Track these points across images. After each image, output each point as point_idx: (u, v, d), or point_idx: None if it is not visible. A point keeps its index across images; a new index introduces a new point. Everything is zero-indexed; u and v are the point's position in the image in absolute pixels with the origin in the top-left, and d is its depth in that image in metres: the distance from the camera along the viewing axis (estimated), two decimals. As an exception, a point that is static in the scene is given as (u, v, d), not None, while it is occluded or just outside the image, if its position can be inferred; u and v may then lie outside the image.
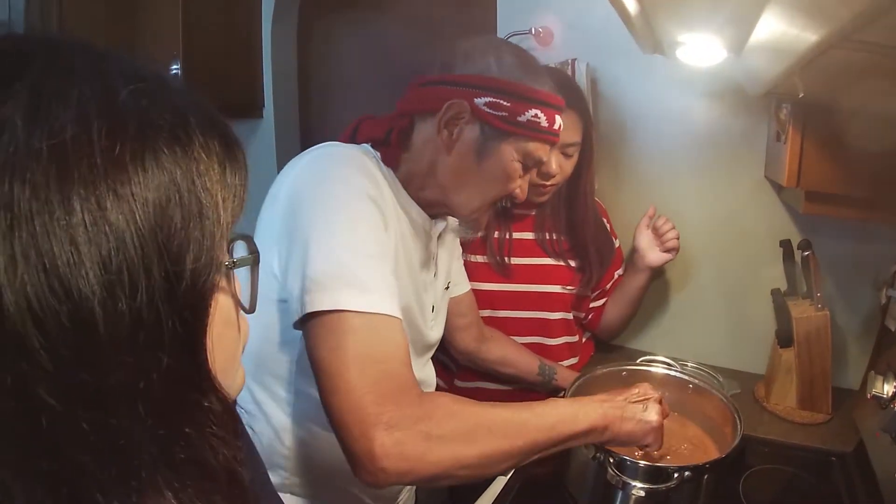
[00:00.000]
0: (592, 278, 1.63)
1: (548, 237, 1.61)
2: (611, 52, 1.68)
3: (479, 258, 1.58)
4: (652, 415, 1.08)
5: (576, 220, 1.61)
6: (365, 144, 1.13)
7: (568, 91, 1.45)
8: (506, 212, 1.60)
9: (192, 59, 2.29)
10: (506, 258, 1.57)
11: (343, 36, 2.59)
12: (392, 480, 0.85)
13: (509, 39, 1.77)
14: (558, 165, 1.49)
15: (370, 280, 0.92)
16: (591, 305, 1.72)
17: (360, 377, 0.85)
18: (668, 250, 1.56)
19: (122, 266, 0.37)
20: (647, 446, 1.12)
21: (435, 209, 1.15)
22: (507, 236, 1.59)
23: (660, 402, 1.11)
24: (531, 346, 1.62)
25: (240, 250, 0.51)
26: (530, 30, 1.77)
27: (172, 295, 0.41)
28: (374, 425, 0.83)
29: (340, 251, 0.92)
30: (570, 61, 1.71)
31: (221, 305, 0.48)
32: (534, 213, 1.62)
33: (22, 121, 0.35)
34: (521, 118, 1.04)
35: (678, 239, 1.55)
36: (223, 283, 0.48)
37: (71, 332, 0.36)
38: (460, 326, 1.48)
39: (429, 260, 1.20)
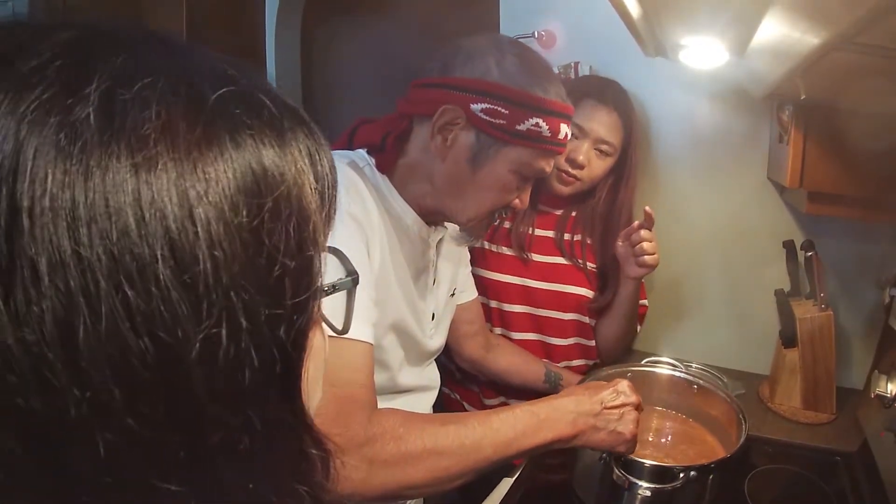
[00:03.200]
0: (613, 291, 1.60)
1: (566, 238, 1.60)
2: (614, 54, 1.69)
3: (505, 250, 1.58)
4: (627, 425, 1.05)
5: (610, 235, 1.57)
6: (360, 150, 1.10)
7: (613, 92, 1.48)
8: (533, 205, 1.58)
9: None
10: (527, 252, 1.57)
11: (347, 39, 2.60)
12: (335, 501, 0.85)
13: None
14: (587, 158, 1.46)
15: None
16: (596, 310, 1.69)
17: (313, 397, 0.84)
18: (641, 266, 1.48)
19: (220, 306, 0.34)
20: (621, 453, 1.10)
21: (433, 216, 1.13)
22: (531, 231, 1.59)
23: (637, 408, 1.08)
24: (538, 344, 1.62)
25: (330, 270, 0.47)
26: (533, 33, 1.77)
27: (274, 329, 0.37)
28: None
29: None
30: (573, 64, 1.71)
31: (316, 324, 0.45)
32: (559, 213, 1.62)
33: (98, 130, 0.32)
34: (521, 127, 0.99)
35: (653, 256, 1.46)
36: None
37: (161, 386, 0.33)
38: (467, 334, 1.47)
39: (426, 268, 1.18)
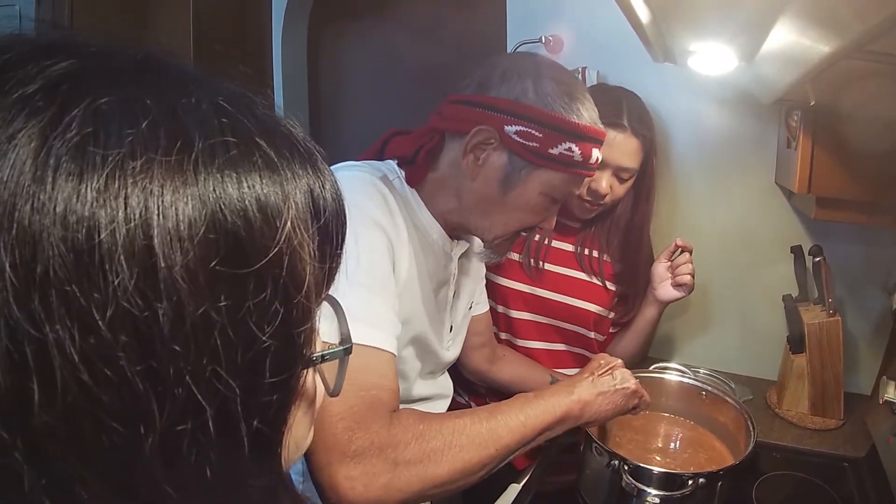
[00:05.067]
0: (635, 307, 1.61)
1: (587, 253, 1.60)
2: (621, 60, 1.69)
3: (515, 256, 1.58)
4: (627, 379, 1.10)
5: (629, 250, 1.59)
6: (390, 162, 1.11)
7: (634, 117, 1.46)
8: None
9: (202, 66, 2.30)
10: (540, 262, 1.57)
11: (353, 43, 2.60)
12: None
13: (519, 48, 1.79)
14: (609, 186, 1.46)
15: (364, 312, 0.91)
16: (611, 331, 1.68)
17: (336, 403, 0.84)
18: (679, 285, 1.51)
19: (185, 397, 0.32)
20: (634, 409, 1.13)
21: (458, 231, 1.14)
22: (547, 242, 1.59)
23: (624, 368, 1.13)
24: (543, 352, 1.62)
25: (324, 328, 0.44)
26: (540, 38, 1.77)
27: (248, 413, 0.35)
28: (340, 456, 0.83)
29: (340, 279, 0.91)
30: (580, 69, 1.71)
31: (301, 395, 0.41)
32: (577, 226, 1.61)
33: (67, 179, 0.30)
34: (553, 150, 0.99)
35: (692, 276, 1.50)
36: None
37: (118, 468, 0.31)
38: (475, 345, 1.47)
39: (447, 281, 1.19)
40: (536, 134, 0.98)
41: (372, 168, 1.07)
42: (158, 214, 0.31)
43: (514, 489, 1.29)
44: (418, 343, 1.12)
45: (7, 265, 0.28)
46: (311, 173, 0.39)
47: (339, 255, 0.43)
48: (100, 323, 0.29)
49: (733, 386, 1.41)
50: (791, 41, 0.85)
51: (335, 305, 0.46)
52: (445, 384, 1.31)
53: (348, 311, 0.89)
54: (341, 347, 0.45)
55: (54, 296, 0.28)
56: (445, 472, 0.89)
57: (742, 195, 1.74)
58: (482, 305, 1.45)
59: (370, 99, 2.60)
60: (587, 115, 1.01)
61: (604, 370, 1.11)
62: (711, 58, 1.20)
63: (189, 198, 0.32)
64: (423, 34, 2.32)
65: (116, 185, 0.30)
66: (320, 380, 0.47)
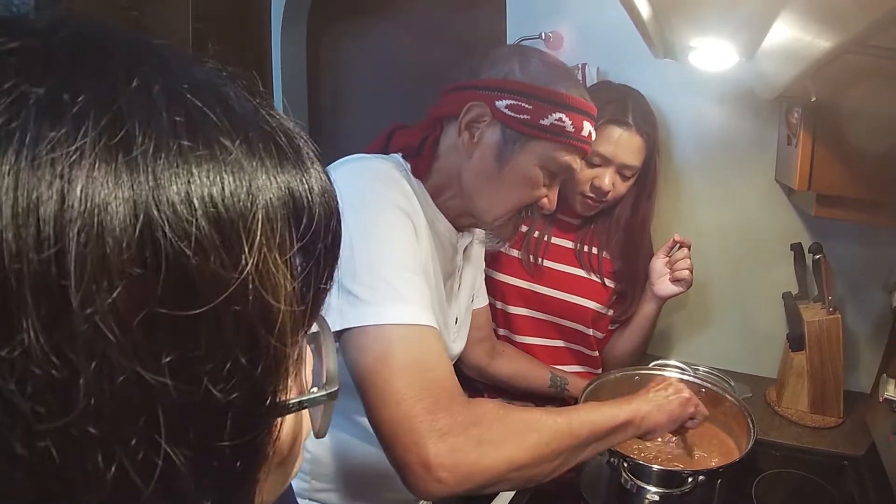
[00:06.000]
0: (633, 304, 1.61)
1: (586, 250, 1.60)
2: (621, 56, 1.69)
3: (514, 252, 1.58)
4: (680, 391, 1.11)
5: (630, 247, 1.59)
6: (395, 155, 1.12)
7: (639, 115, 1.46)
8: (551, 216, 1.58)
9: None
10: (539, 259, 1.57)
11: (352, 42, 2.60)
12: (448, 490, 0.84)
13: (519, 44, 1.78)
14: (612, 183, 1.46)
15: (410, 292, 0.91)
16: (610, 328, 1.67)
17: (409, 387, 0.84)
18: (677, 280, 1.51)
19: (128, 464, 0.25)
20: (692, 419, 1.14)
21: (462, 220, 1.14)
22: (546, 238, 1.59)
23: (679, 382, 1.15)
24: (541, 348, 1.62)
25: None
26: (540, 34, 1.77)
27: (202, 476, 0.28)
28: (427, 434, 0.82)
29: (379, 265, 0.91)
30: (580, 66, 1.71)
31: (276, 445, 0.34)
32: (577, 223, 1.61)
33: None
34: (545, 121, 1.01)
35: (690, 272, 1.50)
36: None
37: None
38: (474, 340, 1.46)
39: (453, 273, 1.20)
40: (526, 106, 1.01)
41: (381, 158, 1.09)
42: (77, 239, 0.24)
43: (514, 486, 1.29)
44: None
45: None
46: (292, 174, 0.32)
47: (330, 279, 0.35)
48: (7, 386, 0.23)
49: (733, 383, 1.41)
50: (792, 36, 0.84)
51: (325, 331, 0.38)
52: None
53: (396, 294, 0.89)
54: (325, 393, 0.36)
55: None
56: (526, 454, 0.89)
57: (742, 192, 1.74)
58: (482, 299, 1.46)
59: (370, 97, 2.59)
60: (575, 90, 1.04)
61: (659, 387, 1.12)
62: (712, 53, 1.20)
63: (119, 213, 0.25)
64: (422, 32, 2.32)
65: (28, 200, 0.23)
66: (307, 416, 0.40)
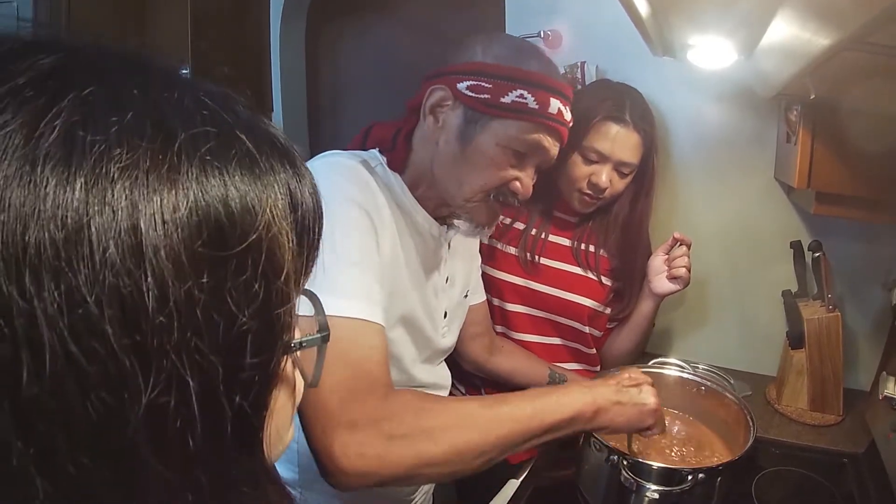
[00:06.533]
0: (631, 303, 1.60)
1: (583, 248, 1.60)
2: (620, 54, 1.68)
3: (511, 249, 1.58)
4: (648, 397, 1.07)
5: (627, 245, 1.58)
6: (373, 150, 1.13)
7: (637, 113, 1.46)
8: (549, 213, 1.59)
9: (200, 65, 2.30)
10: (536, 256, 1.57)
11: (351, 40, 2.60)
12: (353, 482, 0.85)
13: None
14: (609, 181, 1.46)
15: (346, 285, 0.92)
16: (608, 326, 1.67)
17: (328, 377, 0.83)
18: (674, 278, 1.50)
19: (169, 370, 0.33)
20: (648, 430, 1.09)
21: (441, 210, 1.15)
22: (544, 236, 1.59)
23: (651, 386, 1.10)
24: (538, 345, 1.62)
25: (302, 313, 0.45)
26: (539, 33, 1.77)
27: (230, 391, 0.36)
28: (335, 425, 0.83)
29: (322, 255, 0.92)
30: (579, 64, 1.71)
31: (281, 381, 0.43)
32: (575, 221, 1.61)
33: (56, 165, 0.31)
34: (505, 99, 1.00)
35: (688, 270, 1.49)
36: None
37: (104, 443, 0.32)
38: (472, 336, 1.47)
39: (438, 265, 1.20)
40: (486, 85, 1.00)
41: (352, 154, 1.10)
42: (143, 198, 0.32)
43: (513, 484, 1.29)
44: (409, 324, 1.12)
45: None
46: (288, 170, 0.40)
47: (317, 249, 0.44)
48: (88, 297, 0.30)
49: (732, 381, 1.41)
50: (791, 34, 0.84)
51: (312, 298, 0.47)
52: (443, 374, 1.31)
53: (332, 286, 0.88)
54: (319, 335, 0.46)
55: (44, 271, 0.30)
56: (441, 451, 0.88)
57: (741, 190, 1.74)
58: (478, 295, 1.46)
59: (368, 95, 2.59)
60: (539, 67, 1.03)
61: (631, 383, 1.08)
62: (711, 51, 1.20)
63: (172, 184, 0.33)
64: (421, 31, 2.32)
65: (103, 171, 0.31)
66: (299, 372, 0.48)
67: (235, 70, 2.50)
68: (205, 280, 0.34)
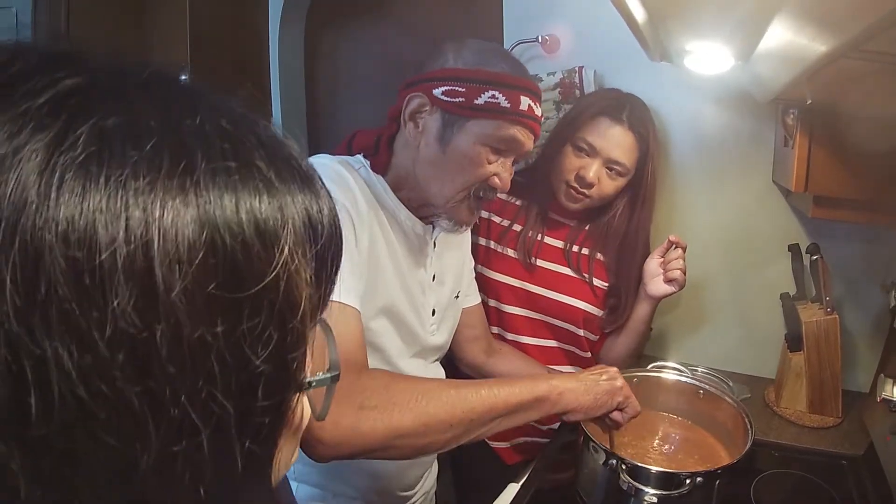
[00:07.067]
0: (626, 311, 1.60)
1: (575, 250, 1.60)
2: (618, 59, 1.69)
3: (509, 251, 1.59)
4: (615, 380, 1.14)
5: (625, 255, 1.59)
6: (358, 155, 1.18)
7: (635, 116, 1.48)
8: (544, 215, 1.60)
9: (199, 69, 2.30)
10: (532, 258, 1.58)
11: (350, 43, 2.60)
12: (329, 452, 0.90)
13: (516, 48, 1.79)
14: (597, 177, 1.47)
15: None
16: (605, 331, 1.66)
17: None
18: (669, 281, 1.51)
19: (180, 418, 0.32)
20: (620, 410, 1.16)
21: (422, 210, 1.19)
22: (539, 238, 1.60)
23: (617, 372, 1.17)
24: (533, 348, 1.62)
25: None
26: (537, 37, 1.77)
27: (241, 433, 0.35)
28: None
29: None
30: (577, 69, 1.72)
31: (294, 414, 0.42)
32: (571, 224, 1.62)
33: (77, 191, 0.30)
34: (478, 101, 1.06)
35: (684, 273, 1.49)
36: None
37: (112, 483, 0.32)
38: (468, 338, 1.48)
39: (423, 262, 1.23)
40: (460, 89, 1.07)
41: (335, 157, 1.16)
42: (159, 236, 0.31)
43: (513, 488, 1.29)
44: (392, 316, 1.16)
45: (8, 280, 0.28)
46: (309, 196, 0.39)
47: (334, 280, 0.42)
48: (98, 341, 0.29)
49: (731, 384, 1.41)
50: (787, 40, 0.85)
51: (327, 330, 0.46)
52: (438, 373, 1.34)
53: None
54: (329, 375, 0.45)
55: (54, 312, 0.29)
56: (409, 422, 0.94)
57: (740, 194, 1.74)
58: (472, 297, 1.47)
59: (367, 99, 2.60)
60: (508, 69, 1.09)
61: (594, 371, 1.16)
62: (708, 57, 1.21)
63: (189, 220, 0.32)
64: (419, 36, 2.32)
65: (118, 205, 0.30)
66: (307, 402, 0.47)
67: (234, 74, 2.50)
68: (219, 325, 0.33)
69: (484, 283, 1.56)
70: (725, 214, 1.76)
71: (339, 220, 0.43)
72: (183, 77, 0.41)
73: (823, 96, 1.07)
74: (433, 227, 1.22)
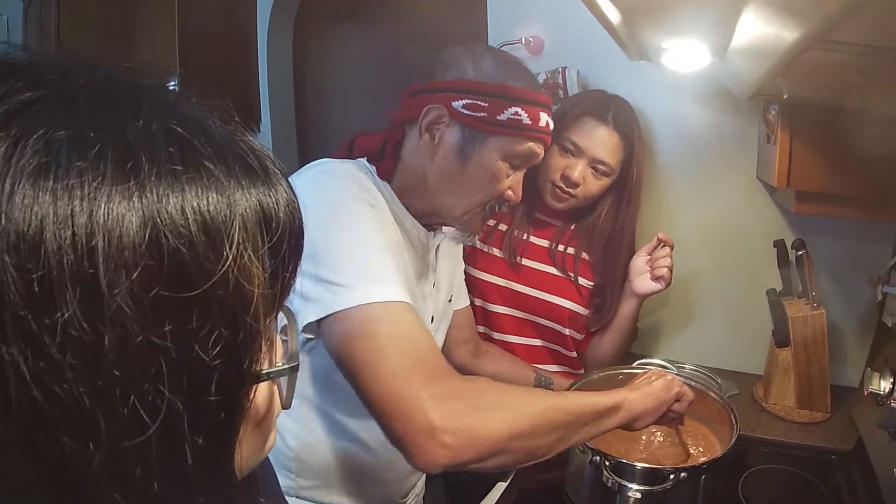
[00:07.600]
0: (612, 310, 1.59)
1: (561, 249, 1.60)
2: (601, 59, 1.69)
3: (495, 251, 1.59)
4: (662, 374, 1.15)
5: (611, 255, 1.59)
6: (361, 159, 1.14)
7: (620, 118, 1.49)
8: (530, 214, 1.60)
9: (188, 73, 2.30)
10: (519, 257, 1.58)
11: (339, 47, 2.61)
12: (453, 455, 0.84)
13: (500, 49, 1.79)
14: (582, 177, 1.47)
15: (386, 273, 0.94)
16: (591, 330, 1.65)
17: (401, 360, 0.86)
18: (656, 279, 1.50)
19: (129, 414, 0.33)
20: (679, 401, 1.16)
21: (429, 218, 1.16)
22: (525, 237, 1.60)
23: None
24: (519, 347, 1.62)
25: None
26: (520, 39, 1.78)
27: (193, 429, 0.36)
28: (427, 400, 0.83)
29: (353, 251, 0.94)
30: (560, 69, 1.72)
31: (253, 406, 0.42)
32: (557, 224, 1.62)
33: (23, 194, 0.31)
34: (501, 117, 1.04)
35: (670, 270, 1.49)
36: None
37: (62, 480, 0.32)
38: (457, 340, 1.48)
39: (426, 271, 1.21)
40: (482, 104, 1.04)
41: (345, 161, 1.12)
42: (104, 242, 0.32)
43: (501, 487, 1.29)
44: None
45: None
46: (263, 190, 0.39)
47: (294, 272, 0.42)
48: (50, 346, 0.31)
49: (719, 381, 1.42)
50: (758, 33, 0.85)
51: (290, 318, 0.46)
52: None
53: (371, 275, 0.92)
54: (287, 366, 0.44)
55: (8, 320, 0.30)
56: (527, 422, 0.90)
57: (725, 191, 1.75)
58: (462, 300, 1.47)
59: (356, 105, 2.60)
60: (528, 84, 1.08)
61: (643, 377, 1.16)
62: (684, 54, 1.21)
63: (134, 223, 0.33)
64: (405, 38, 2.33)
65: (66, 213, 0.31)
66: (276, 393, 0.47)
67: (223, 83, 2.50)
68: (166, 326, 0.33)
69: (470, 283, 1.56)
70: (711, 212, 1.77)
71: (299, 212, 0.42)
72: (172, 83, 0.42)
73: (800, 90, 1.08)
74: (434, 234, 1.21)
